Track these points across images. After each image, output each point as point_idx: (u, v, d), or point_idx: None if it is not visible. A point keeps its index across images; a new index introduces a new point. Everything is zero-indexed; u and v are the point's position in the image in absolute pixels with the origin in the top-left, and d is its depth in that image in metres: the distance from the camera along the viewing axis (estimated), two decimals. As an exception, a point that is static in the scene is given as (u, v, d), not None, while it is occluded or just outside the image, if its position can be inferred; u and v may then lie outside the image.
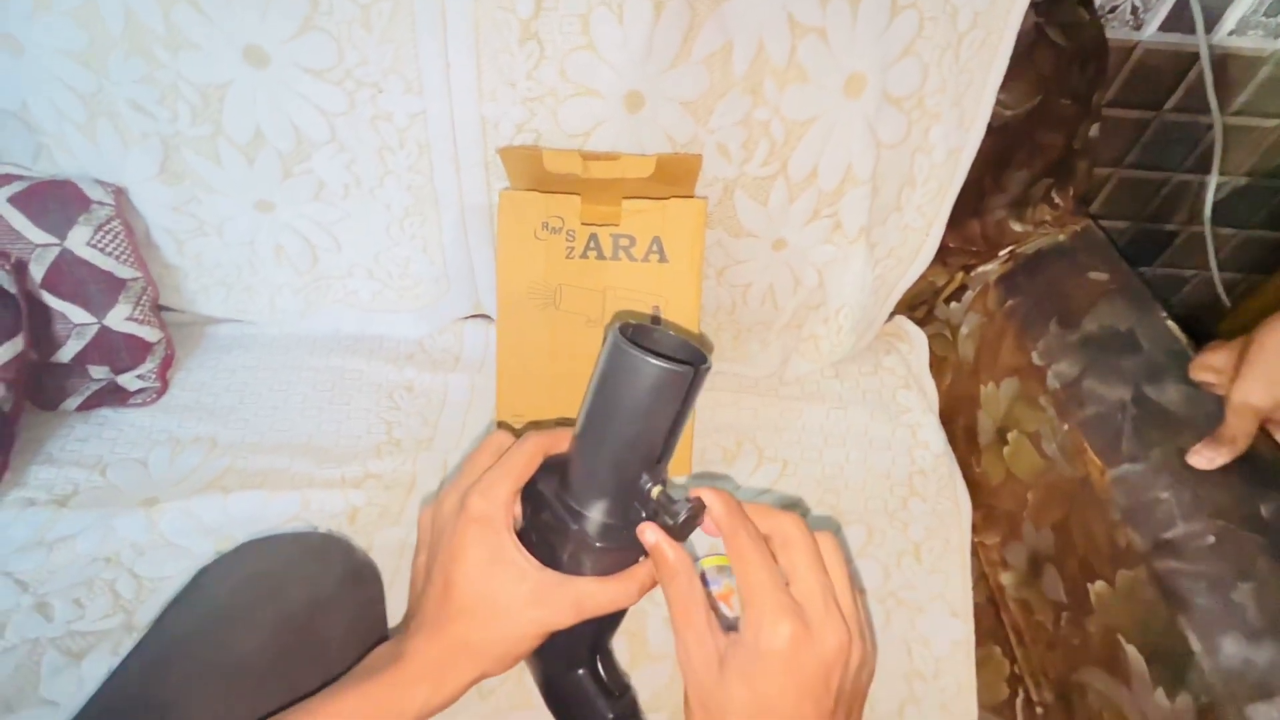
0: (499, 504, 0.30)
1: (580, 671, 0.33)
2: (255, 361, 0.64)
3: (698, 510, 0.29)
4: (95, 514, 0.52)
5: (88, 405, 0.59)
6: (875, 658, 0.30)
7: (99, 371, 0.59)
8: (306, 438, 0.59)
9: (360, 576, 0.39)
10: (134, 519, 0.52)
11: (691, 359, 0.30)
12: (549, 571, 0.30)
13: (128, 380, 0.60)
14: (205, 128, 0.52)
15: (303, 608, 0.34)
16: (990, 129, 0.55)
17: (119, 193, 0.56)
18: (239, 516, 0.53)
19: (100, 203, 0.55)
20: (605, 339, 0.30)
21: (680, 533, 0.30)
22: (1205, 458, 0.42)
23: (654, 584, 0.31)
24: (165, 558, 0.50)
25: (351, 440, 0.60)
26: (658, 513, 0.30)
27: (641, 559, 0.31)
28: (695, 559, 0.48)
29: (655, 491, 0.30)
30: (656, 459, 0.30)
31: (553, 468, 0.32)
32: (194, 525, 0.52)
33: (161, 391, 0.61)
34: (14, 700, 0.43)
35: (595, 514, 0.31)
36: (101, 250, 0.55)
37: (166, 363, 0.62)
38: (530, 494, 0.32)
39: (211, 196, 0.57)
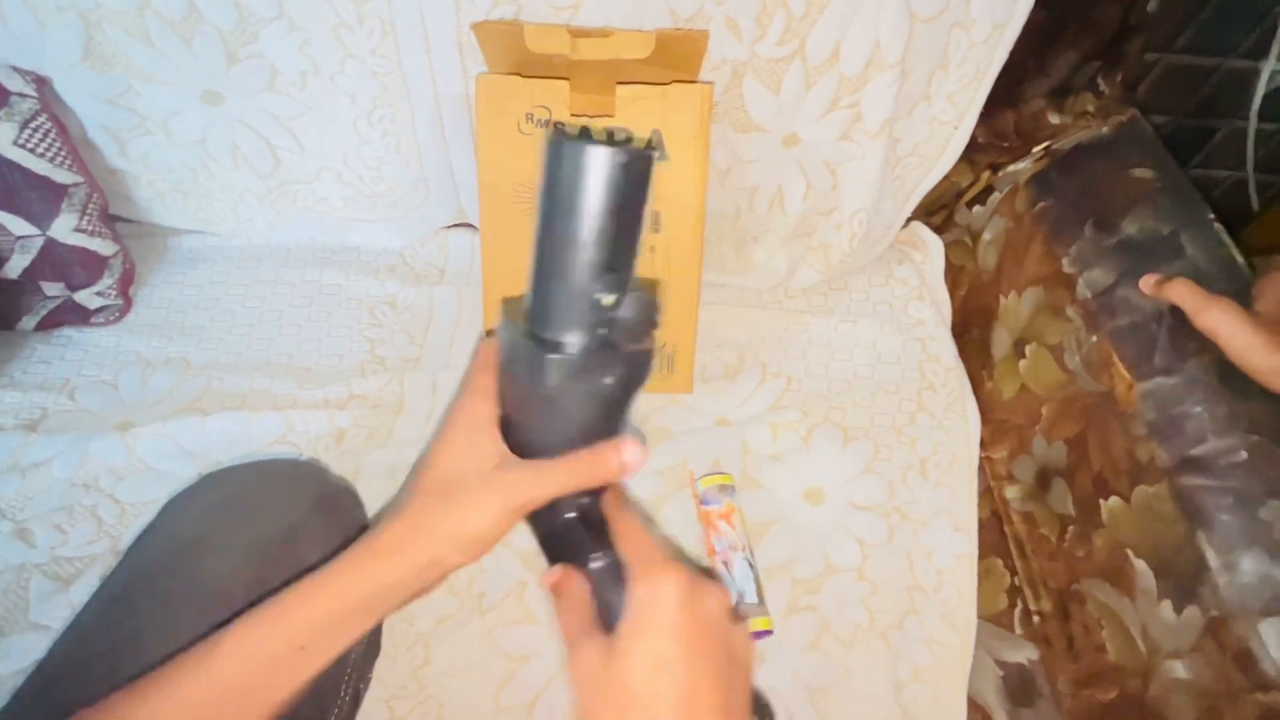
0: (482, 401, 0.31)
1: (567, 516, 0.31)
2: (224, 276, 0.60)
3: (650, 315, 0.29)
4: (68, 438, 0.49)
5: (47, 324, 0.56)
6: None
7: (53, 288, 0.55)
8: (285, 357, 0.56)
9: (335, 502, 0.38)
10: (109, 443, 0.49)
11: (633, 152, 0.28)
12: (516, 459, 0.30)
13: (86, 298, 0.56)
14: (129, 0, 0.45)
15: (275, 534, 0.32)
16: (1040, 0, 0.48)
17: (42, 82, 0.49)
18: (220, 439, 0.51)
19: (21, 94, 0.48)
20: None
21: (621, 339, 0.29)
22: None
23: (623, 472, 0.30)
24: (146, 482, 0.48)
25: (333, 359, 0.56)
26: (606, 324, 0.29)
27: (620, 437, 0.30)
28: (695, 479, 0.46)
29: (608, 300, 0.28)
30: (607, 266, 0.28)
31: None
32: (173, 449, 0.50)
33: (125, 309, 0.57)
34: (4, 624, 0.42)
35: (560, 338, 0.29)
36: (31, 151, 0.49)
37: (127, 278, 0.57)
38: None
39: (149, 86, 0.50)
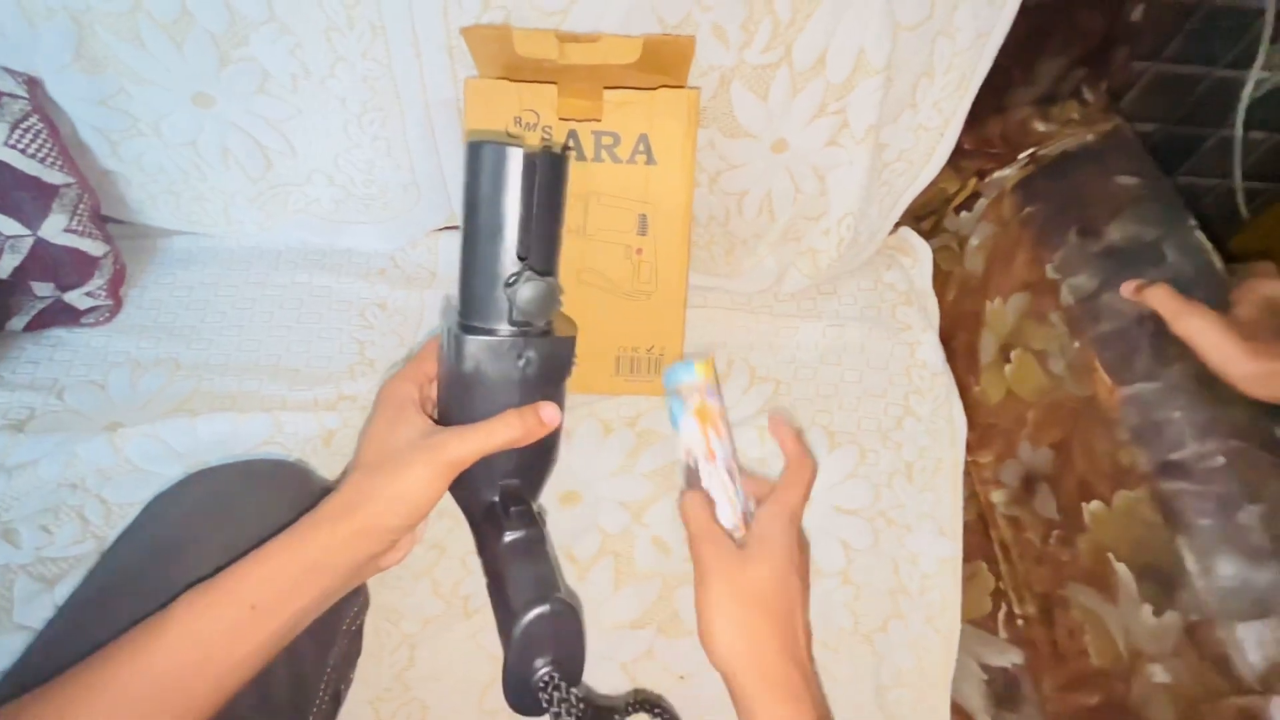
0: (405, 382, 0.34)
1: (491, 499, 0.35)
2: (214, 278, 0.60)
3: (544, 297, 0.32)
4: (55, 439, 0.49)
5: (36, 325, 0.56)
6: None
7: (43, 289, 0.55)
8: (275, 359, 0.56)
9: (317, 502, 0.38)
10: (97, 444, 0.49)
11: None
12: (439, 427, 0.33)
13: (76, 298, 0.56)
14: (120, 1, 0.45)
15: (256, 535, 0.33)
16: (1023, 8, 0.48)
17: (33, 83, 0.49)
18: (208, 440, 0.51)
19: (11, 95, 0.48)
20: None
21: (518, 316, 0.32)
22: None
23: (542, 429, 0.33)
24: (134, 483, 0.48)
25: (323, 361, 0.57)
26: (511, 300, 0.32)
27: (538, 402, 0.34)
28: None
29: (512, 278, 0.32)
30: (517, 254, 0.32)
31: None
32: (161, 450, 0.50)
33: (115, 310, 0.57)
34: (-13, 625, 0.42)
35: (484, 324, 0.33)
36: (22, 151, 0.49)
37: (117, 279, 0.57)
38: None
39: (141, 88, 0.50)
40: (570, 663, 0.32)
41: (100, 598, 0.33)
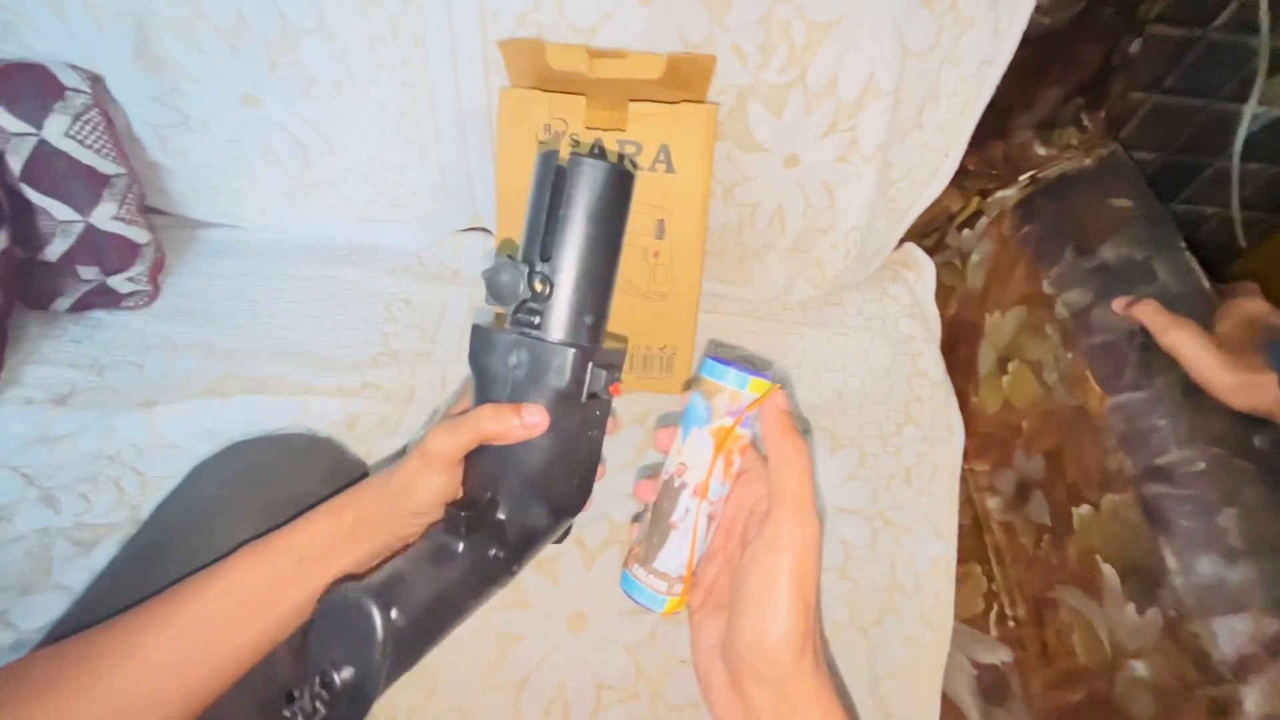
0: (451, 451, 0.32)
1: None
2: (248, 268, 0.63)
3: (508, 281, 0.31)
4: (94, 413, 0.52)
5: (79, 307, 0.58)
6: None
7: (88, 272, 0.58)
8: (303, 347, 0.59)
9: (348, 474, 0.40)
10: (133, 419, 0.52)
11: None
12: (452, 418, 0.33)
13: (118, 283, 0.59)
14: (183, 7, 0.49)
15: (290, 500, 0.35)
16: (1025, 39, 0.51)
17: (95, 80, 0.53)
18: (239, 420, 0.53)
19: (76, 89, 0.52)
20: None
21: (488, 292, 0.32)
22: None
23: (520, 430, 0.31)
24: (167, 458, 0.51)
25: (348, 350, 0.59)
26: (530, 310, 0.32)
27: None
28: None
29: (535, 287, 0.32)
30: (539, 251, 0.32)
31: None
32: (194, 427, 0.53)
33: (154, 295, 0.60)
34: (28, 584, 0.44)
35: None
36: (81, 142, 0.53)
37: (158, 266, 0.60)
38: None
39: (194, 87, 0.54)
40: (357, 677, 0.27)
41: (144, 554, 0.35)
